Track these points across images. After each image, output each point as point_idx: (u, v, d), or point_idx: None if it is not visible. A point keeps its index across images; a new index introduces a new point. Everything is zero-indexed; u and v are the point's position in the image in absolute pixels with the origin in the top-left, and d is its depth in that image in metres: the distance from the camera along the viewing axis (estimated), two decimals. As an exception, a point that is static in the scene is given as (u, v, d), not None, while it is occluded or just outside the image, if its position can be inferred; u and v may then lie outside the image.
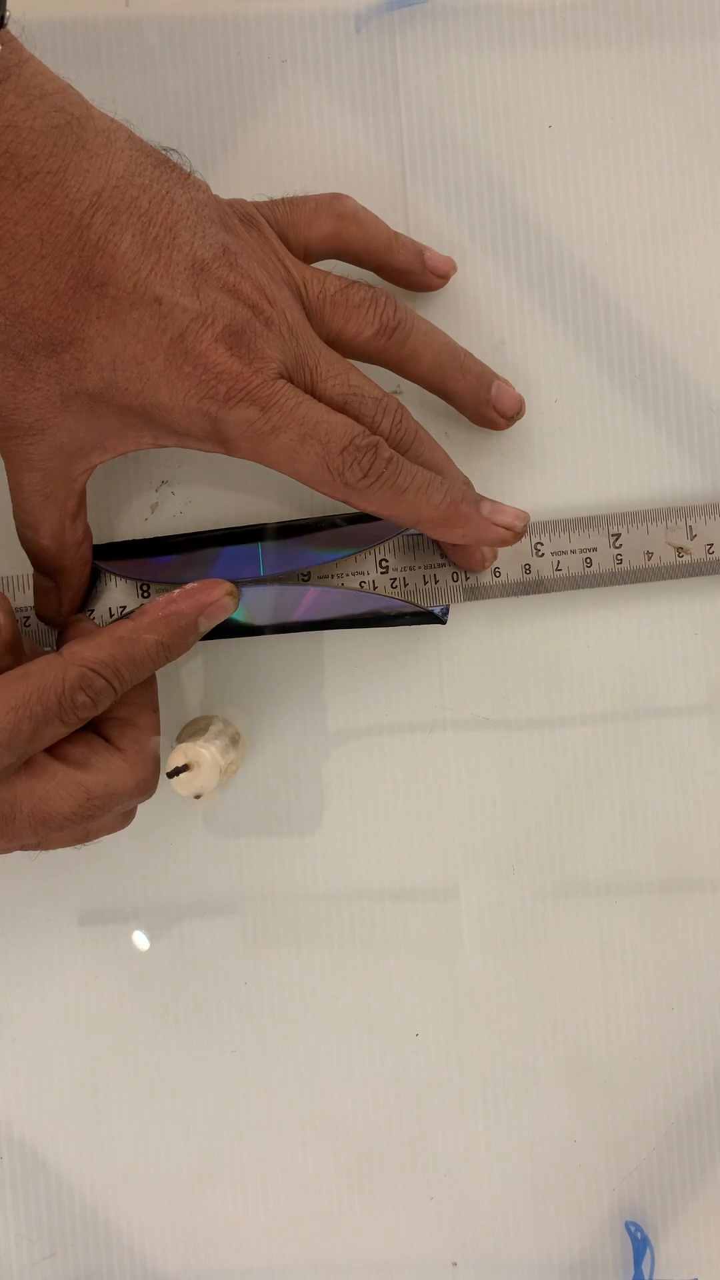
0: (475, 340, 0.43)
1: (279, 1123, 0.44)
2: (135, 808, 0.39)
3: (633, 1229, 0.44)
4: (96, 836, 0.38)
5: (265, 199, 0.39)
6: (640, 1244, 0.44)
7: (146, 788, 0.38)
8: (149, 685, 0.39)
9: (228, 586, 0.38)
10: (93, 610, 0.41)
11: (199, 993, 0.44)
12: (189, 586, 0.38)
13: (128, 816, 0.39)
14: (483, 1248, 0.44)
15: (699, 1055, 0.44)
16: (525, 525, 0.39)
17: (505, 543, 0.39)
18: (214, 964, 0.44)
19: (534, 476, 0.43)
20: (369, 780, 0.44)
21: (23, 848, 0.37)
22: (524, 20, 0.43)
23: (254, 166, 0.43)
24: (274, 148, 0.43)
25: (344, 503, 0.37)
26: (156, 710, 0.39)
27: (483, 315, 0.43)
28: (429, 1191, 0.44)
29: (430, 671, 0.44)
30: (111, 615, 0.41)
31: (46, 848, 0.37)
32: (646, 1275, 0.44)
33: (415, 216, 0.43)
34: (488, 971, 0.44)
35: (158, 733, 0.39)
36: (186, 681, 0.43)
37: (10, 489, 0.38)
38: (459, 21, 0.43)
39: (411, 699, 0.44)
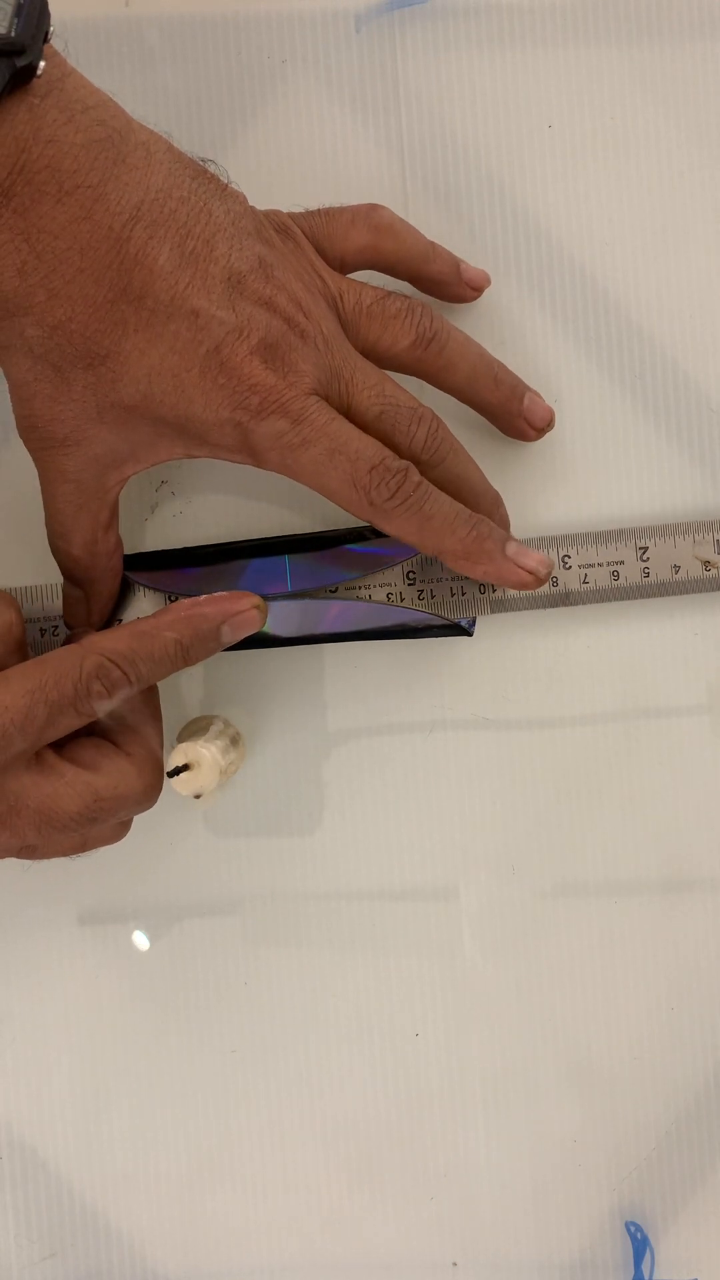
0: (476, 340, 0.43)
1: (279, 1123, 0.44)
2: (131, 819, 0.39)
3: (633, 1229, 0.44)
4: (93, 847, 0.38)
5: (300, 209, 0.39)
6: (640, 1244, 0.44)
7: (152, 794, 0.38)
8: (152, 694, 0.39)
9: (255, 600, 0.38)
10: (121, 620, 0.41)
11: (199, 993, 0.44)
12: (217, 594, 0.38)
13: (124, 827, 0.39)
14: (483, 1248, 0.44)
15: (699, 1055, 0.44)
16: (549, 572, 0.39)
17: (526, 586, 0.38)
18: (214, 964, 0.44)
19: (529, 475, 0.43)
20: (369, 780, 0.44)
21: (21, 851, 0.36)
22: (524, 20, 0.43)
23: (254, 166, 0.43)
24: (274, 148, 0.43)
25: (368, 522, 0.37)
26: (160, 719, 0.39)
27: (483, 315, 0.43)
28: (429, 1191, 0.44)
29: (430, 671, 0.44)
30: None
31: (43, 854, 0.37)
32: (646, 1275, 0.44)
33: (415, 216, 0.43)
34: (488, 971, 0.44)
35: (161, 740, 0.39)
36: (187, 681, 0.43)
37: (44, 499, 0.38)
38: (459, 21, 0.43)
39: (411, 699, 0.44)
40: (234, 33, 0.43)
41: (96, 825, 0.37)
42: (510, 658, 0.44)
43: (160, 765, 0.38)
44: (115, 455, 0.37)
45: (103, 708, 0.36)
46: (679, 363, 0.43)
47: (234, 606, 0.38)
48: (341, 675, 0.43)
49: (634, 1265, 0.44)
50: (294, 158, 0.43)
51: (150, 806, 0.38)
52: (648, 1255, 0.44)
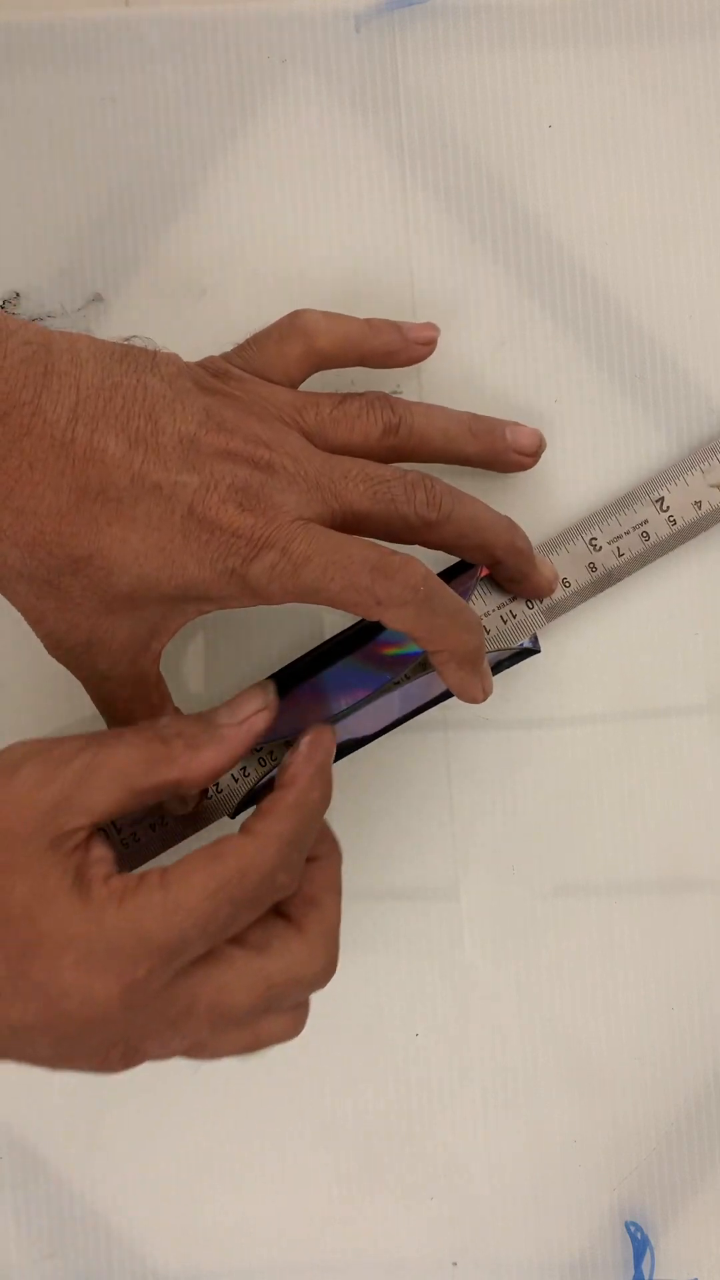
0: (474, 341, 0.43)
1: (279, 1123, 0.44)
2: (308, 1004, 0.36)
3: (633, 1229, 0.44)
4: (266, 1045, 0.35)
5: (232, 345, 0.39)
6: (640, 1244, 0.44)
7: (328, 974, 0.35)
8: (334, 864, 0.37)
9: (329, 732, 0.37)
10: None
11: (199, 993, 0.44)
12: (313, 743, 0.36)
13: (299, 1017, 0.36)
14: (483, 1248, 0.44)
15: (699, 1055, 0.44)
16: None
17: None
18: (214, 964, 0.43)
19: (528, 477, 0.43)
20: (369, 780, 0.44)
21: (190, 1050, 0.34)
22: (524, 20, 0.43)
23: (254, 166, 0.43)
24: (274, 147, 0.43)
25: (376, 620, 0.36)
26: (340, 891, 0.37)
27: (483, 315, 0.43)
28: (429, 1191, 0.44)
29: (430, 671, 0.44)
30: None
31: (212, 1053, 0.35)
32: (646, 1275, 0.44)
33: (415, 216, 0.43)
34: (488, 971, 0.44)
35: (339, 915, 0.36)
36: (187, 682, 0.43)
37: (95, 703, 0.38)
38: (459, 21, 0.43)
39: (411, 699, 0.44)
40: (234, 32, 0.43)
41: (269, 1015, 0.35)
42: (510, 658, 0.44)
43: (336, 939, 0.36)
44: (138, 639, 0.37)
45: (285, 896, 0.35)
46: (679, 363, 0.43)
47: (325, 739, 0.37)
48: (341, 675, 0.43)
49: (634, 1265, 0.44)
50: (294, 158, 0.43)
51: (324, 986, 0.36)
52: (648, 1255, 0.44)
